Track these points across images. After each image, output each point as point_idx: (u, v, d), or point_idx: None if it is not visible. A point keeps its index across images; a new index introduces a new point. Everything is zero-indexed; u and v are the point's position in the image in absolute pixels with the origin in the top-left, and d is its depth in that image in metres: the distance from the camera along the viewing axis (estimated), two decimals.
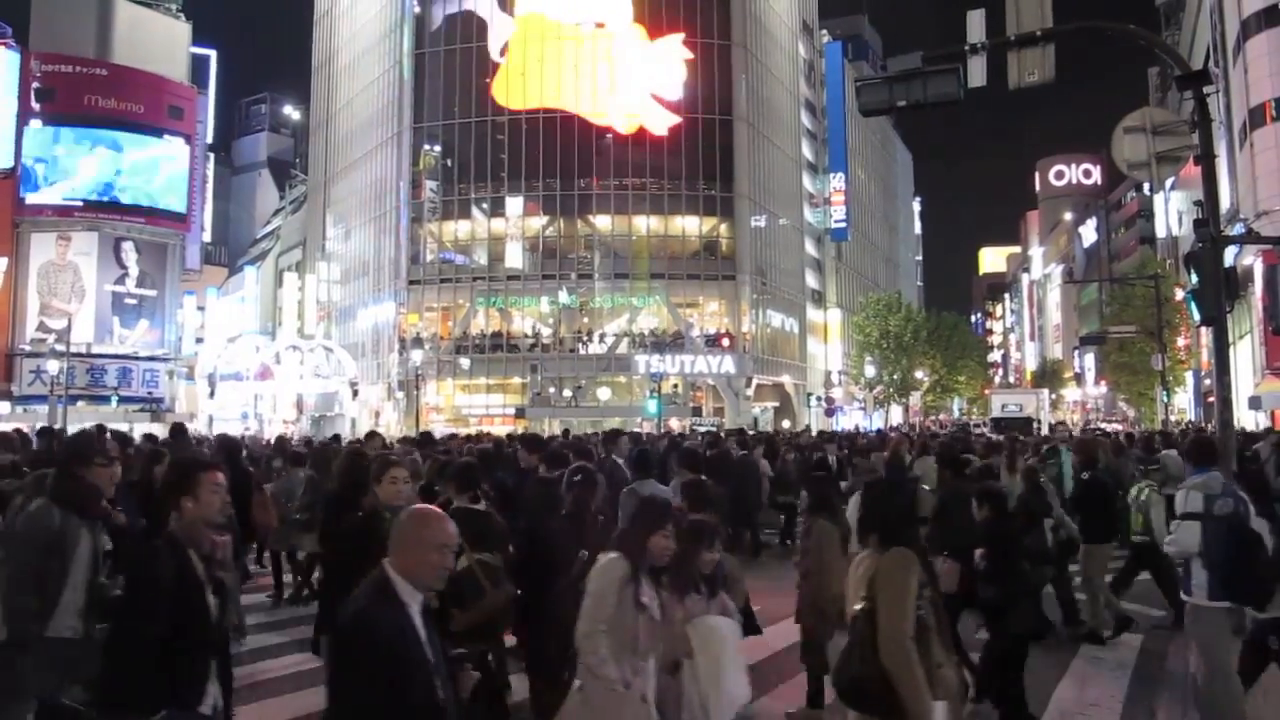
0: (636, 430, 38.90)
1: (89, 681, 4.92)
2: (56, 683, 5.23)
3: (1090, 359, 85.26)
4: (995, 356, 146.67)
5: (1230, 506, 7.02)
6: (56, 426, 25.82)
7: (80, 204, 55.58)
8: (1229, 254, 16.06)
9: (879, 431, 33.81)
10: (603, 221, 64.46)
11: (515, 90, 63.26)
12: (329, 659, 3.90)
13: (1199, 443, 8.16)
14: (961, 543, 7.65)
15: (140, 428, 38.65)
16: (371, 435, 16.24)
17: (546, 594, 6.01)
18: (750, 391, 63.52)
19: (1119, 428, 48.24)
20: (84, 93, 55.56)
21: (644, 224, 64.60)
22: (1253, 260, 39.16)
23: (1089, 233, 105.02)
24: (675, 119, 63.07)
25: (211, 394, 56.74)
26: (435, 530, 3.72)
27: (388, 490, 6.13)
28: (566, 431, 27.92)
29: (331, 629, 4.17)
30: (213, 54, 68.45)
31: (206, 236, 69.43)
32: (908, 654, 4.37)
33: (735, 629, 5.45)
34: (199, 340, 65.15)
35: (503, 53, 64.18)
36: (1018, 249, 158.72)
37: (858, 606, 4.63)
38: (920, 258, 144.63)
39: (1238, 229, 33.69)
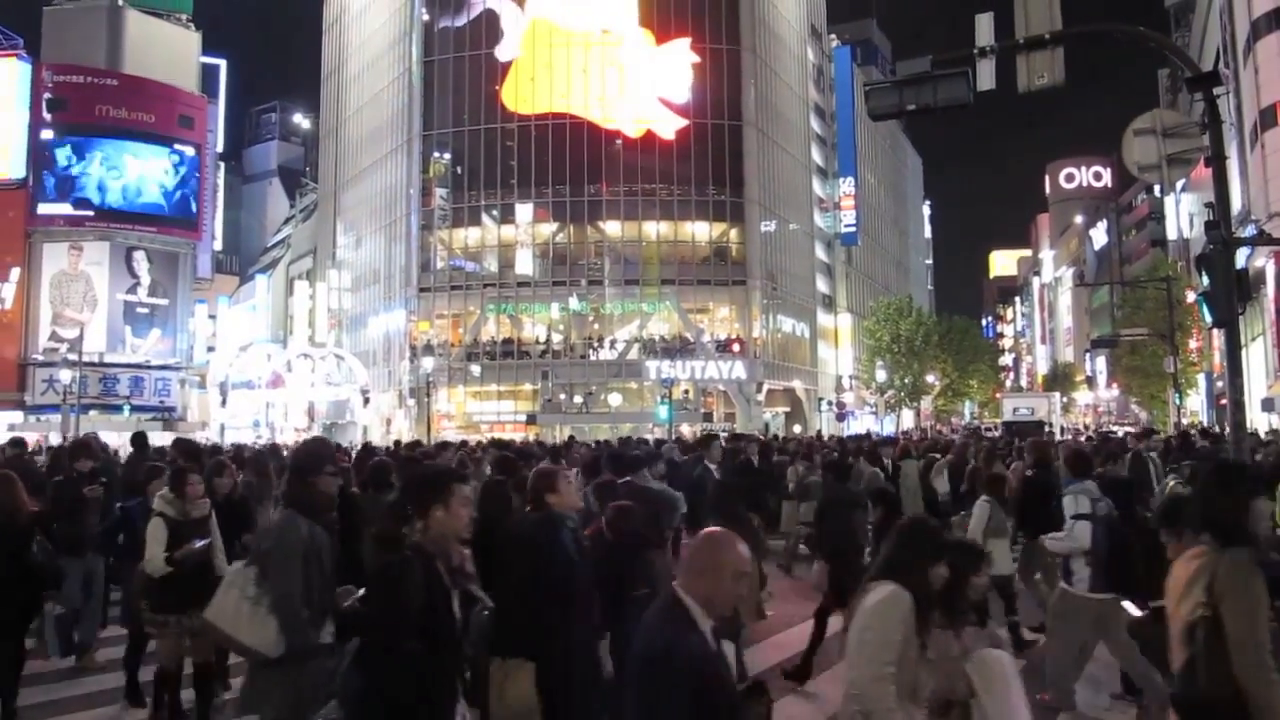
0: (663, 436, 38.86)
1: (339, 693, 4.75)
2: (327, 693, 5.12)
3: (1102, 362, 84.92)
4: (1006, 360, 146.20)
5: (1107, 509, 8.05)
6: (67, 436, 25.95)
7: (92, 214, 55.81)
8: (1241, 256, 16.03)
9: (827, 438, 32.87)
10: (613, 227, 64.47)
11: (524, 95, 63.35)
12: (634, 687, 3.60)
13: (1077, 454, 9.45)
14: (842, 545, 8.45)
15: (153, 437, 38.74)
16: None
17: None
18: (761, 397, 63.40)
19: (1131, 430, 48.08)
20: (95, 103, 55.82)
21: (654, 229, 64.58)
22: (1265, 262, 39.03)
23: (1100, 235, 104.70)
24: (683, 122, 63.08)
25: (223, 402, 56.87)
26: (734, 556, 3.58)
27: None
28: (571, 439, 27.96)
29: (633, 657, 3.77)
30: (223, 63, 68.75)
31: (217, 245, 69.68)
32: (1269, 670, 3.86)
33: (1014, 662, 4.85)
34: (211, 349, 65.34)
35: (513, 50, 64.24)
36: (1028, 252, 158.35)
37: (1196, 614, 4.05)
38: (930, 261, 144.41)
39: (1249, 231, 33.58)
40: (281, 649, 5.06)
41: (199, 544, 7.21)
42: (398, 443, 26.56)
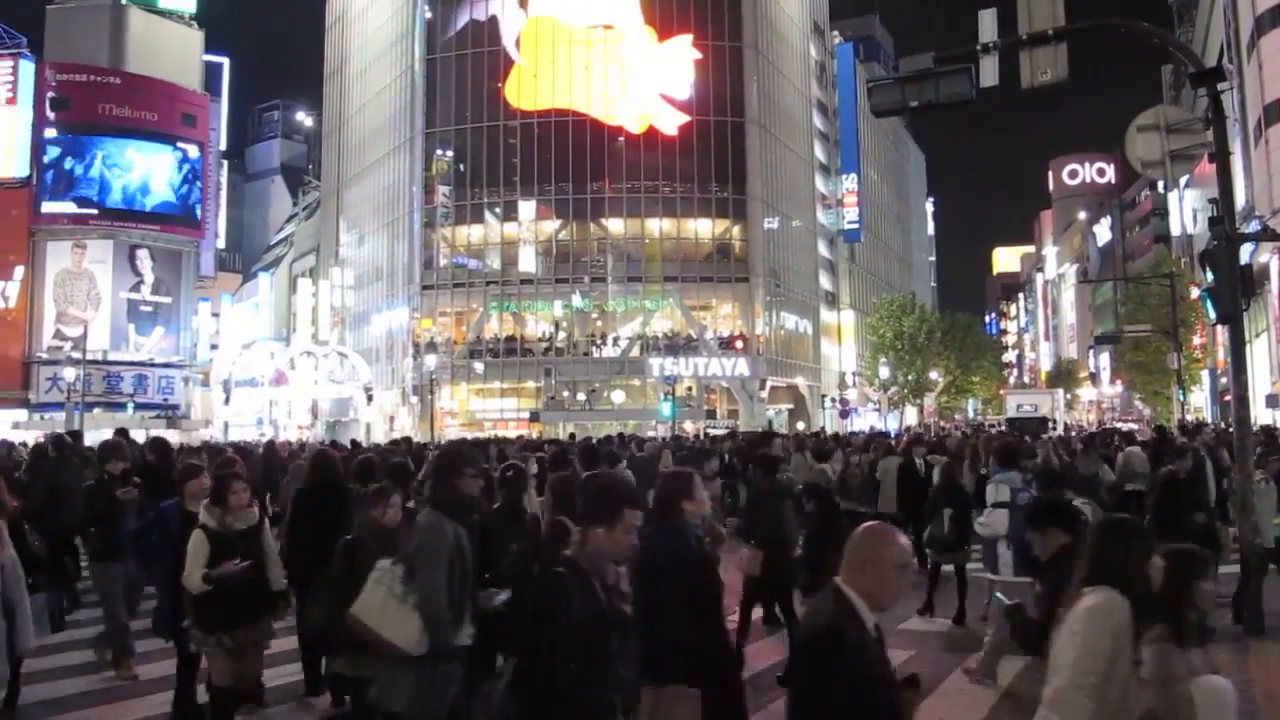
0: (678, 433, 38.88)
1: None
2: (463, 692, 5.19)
3: (1105, 358, 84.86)
4: (1010, 357, 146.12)
5: (1027, 499, 8.59)
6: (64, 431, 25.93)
7: (95, 212, 55.85)
8: (1244, 251, 16.01)
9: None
10: (615, 225, 64.49)
11: (527, 92, 63.35)
12: (796, 680, 3.63)
13: (1002, 447, 10.52)
14: (769, 534, 8.88)
15: (156, 434, 38.80)
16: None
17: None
18: (764, 394, 63.43)
19: (1135, 427, 48.04)
20: (98, 101, 55.84)
21: (656, 227, 64.59)
22: (1269, 258, 39.00)
23: (1103, 232, 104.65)
24: (685, 119, 63.03)
25: (227, 400, 56.93)
26: (896, 550, 3.53)
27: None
28: (572, 435, 27.98)
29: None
30: (225, 62, 68.72)
31: (221, 243, 69.72)
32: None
33: (1235, 691, 4.41)
34: (214, 347, 65.36)
35: (517, 45, 64.15)
36: (1032, 249, 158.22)
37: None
38: (934, 258, 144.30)
39: (1253, 226, 33.58)
40: (424, 648, 5.14)
41: (239, 564, 6.65)
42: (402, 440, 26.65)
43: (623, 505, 4.26)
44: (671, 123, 62.91)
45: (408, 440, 25.25)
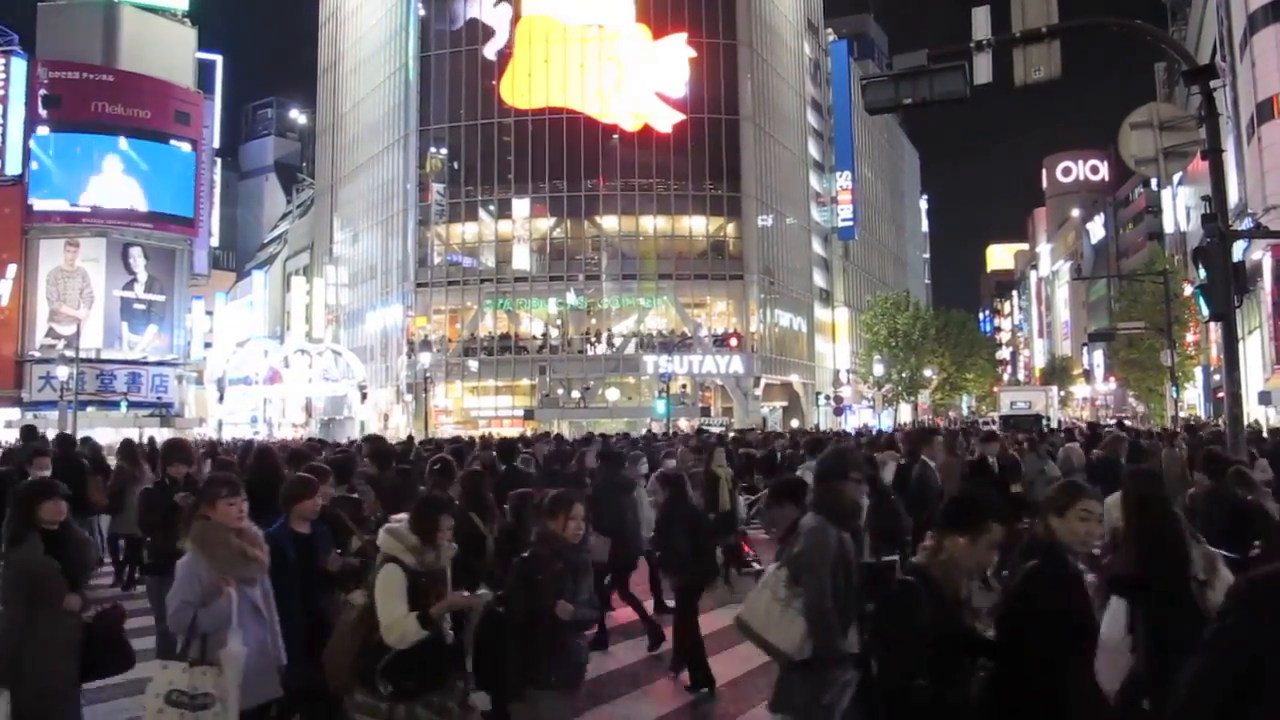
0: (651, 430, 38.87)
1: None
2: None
3: (1099, 355, 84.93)
4: (1004, 354, 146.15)
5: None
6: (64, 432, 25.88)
7: (88, 210, 55.73)
8: (1237, 249, 16.05)
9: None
10: (610, 222, 64.48)
11: (521, 90, 63.31)
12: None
13: (814, 439, 12.90)
14: (615, 525, 9.81)
15: (150, 433, 38.79)
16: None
17: None
18: (759, 391, 63.47)
19: (1130, 423, 48.11)
20: (91, 99, 55.73)
21: (651, 224, 64.61)
22: (1261, 255, 39.06)
23: (1097, 229, 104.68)
24: (680, 117, 63.01)
25: (221, 398, 56.92)
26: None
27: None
28: (573, 436, 27.95)
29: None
30: (219, 59, 68.59)
31: (214, 241, 69.60)
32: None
33: None
34: (208, 345, 65.37)
35: (507, 52, 64.07)
36: (1025, 246, 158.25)
37: None
38: (928, 256, 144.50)
39: (1246, 224, 33.63)
40: (807, 652, 5.03)
41: (474, 594, 5.57)
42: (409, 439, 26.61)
43: (988, 517, 4.09)
44: (666, 120, 62.94)
45: (435, 441, 24.90)
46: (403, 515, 5.52)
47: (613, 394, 61.20)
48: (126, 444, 14.14)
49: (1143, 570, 4.82)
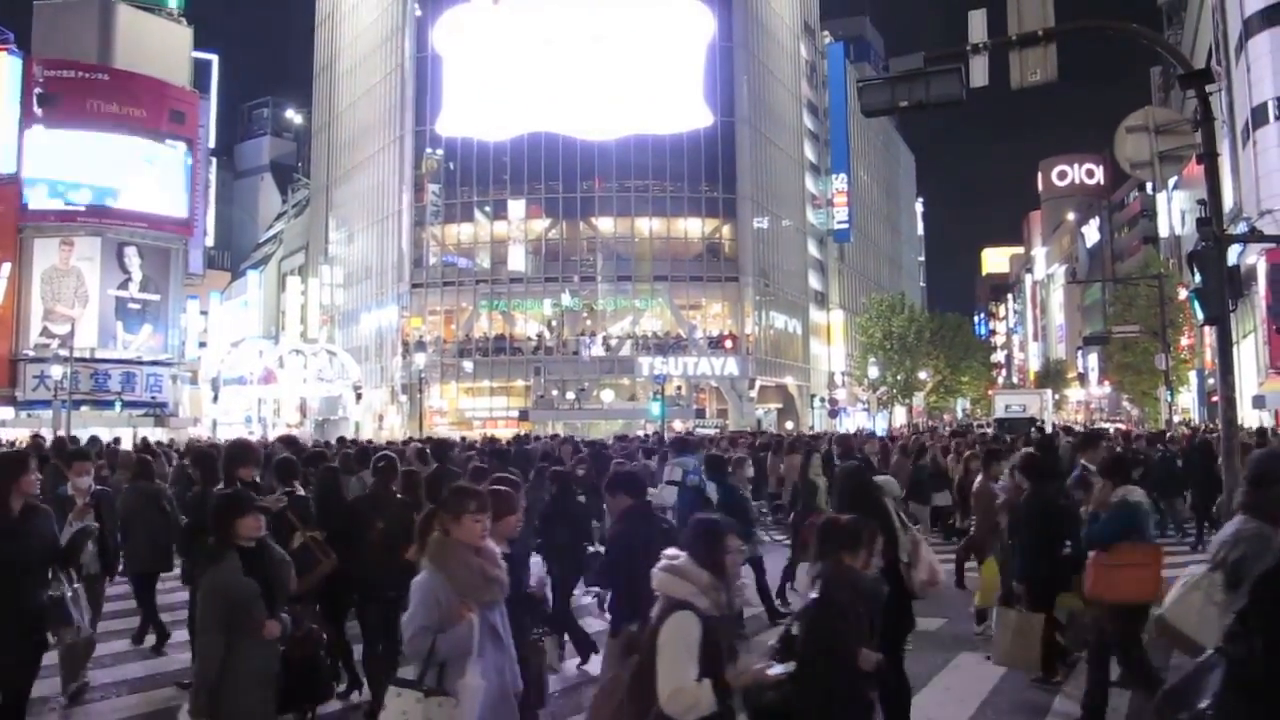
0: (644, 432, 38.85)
1: None
2: None
3: (1094, 359, 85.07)
4: (999, 357, 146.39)
5: (697, 479, 10.25)
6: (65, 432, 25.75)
7: (83, 209, 55.55)
8: (1232, 253, 16.07)
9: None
10: (605, 224, 64.49)
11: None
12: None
13: (680, 439, 13.94)
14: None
15: (144, 433, 38.77)
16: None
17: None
18: (754, 393, 63.49)
19: (1122, 427, 48.16)
20: (86, 98, 55.55)
21: (646, 226, 64.64)
22: (1256, 259, 39.07)
23: (1092, 233, 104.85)
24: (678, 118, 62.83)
25: (215, 399, 56.76)
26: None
27: None
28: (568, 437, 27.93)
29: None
30: (214, 58, 68.44)
31: (209, 241, 69.43)
32: None
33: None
34: (202, 345, 65.16)
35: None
36: (1020, 249, 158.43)
37: None
38: (923, 258, 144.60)
39: (1241, 228, 33.64)
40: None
41: (774, 668, 4.47)
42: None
43: None
44: (663, 123, 62.73)
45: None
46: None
47: (607, 395, 61.20)
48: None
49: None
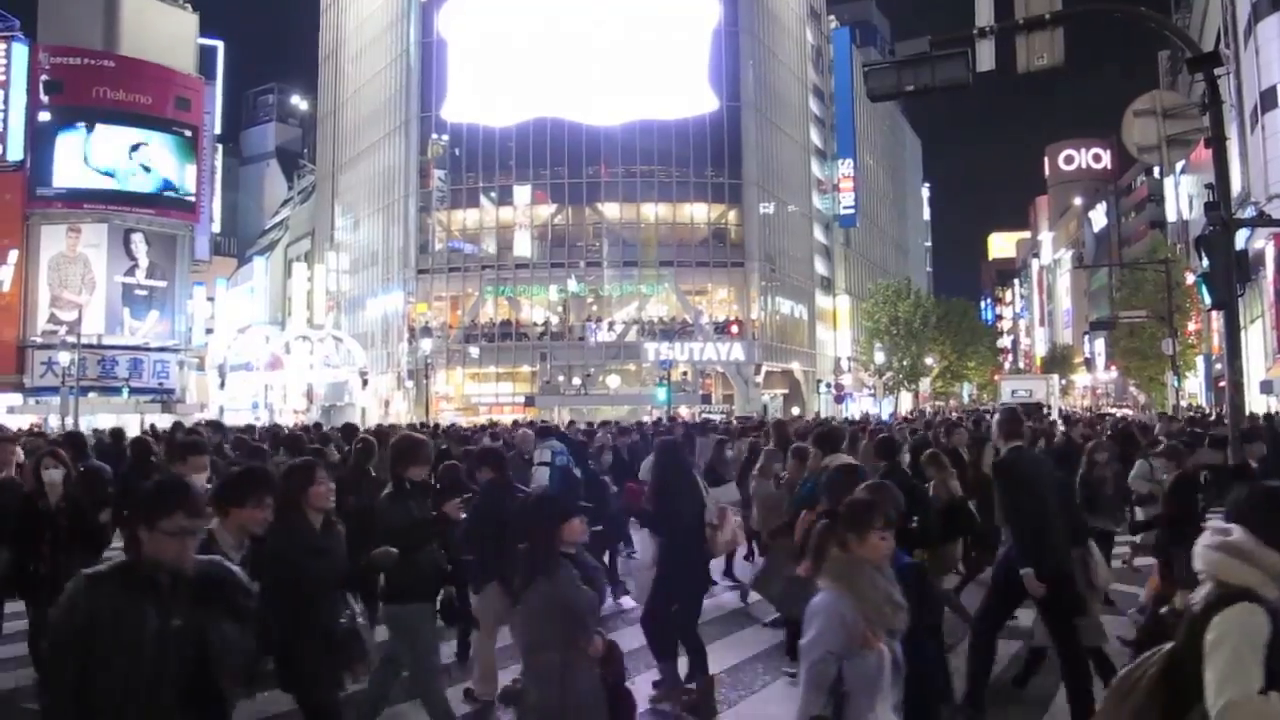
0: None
1: None
2: None
3: (1100, 344, 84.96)
4: (1005, 342, 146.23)
5: (565, 459, 10.61)
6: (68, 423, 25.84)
7: (90, 196, 55.67)
8: (1240, 238, 16.03)
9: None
10: (611, 209, 64.41)
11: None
12: None
13: (544, 427, 13.72)
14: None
15: (151, 419, 38.85)
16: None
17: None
18: (759, 379, 63.46)
19: (1129, 413, 48.13)
20: (92, 85, 55.64)
21: (652, 211, 64.56)
22: (1264, 244, 39.01)
23: (1099, 217, 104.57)
24: (703, 108, 62.70)
25: (222, 385, 56.88)
26: None
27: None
28: (571, 423, 27.97)
29: None
30: (220, 45, 68.40)
31: (215, 227, 69.55)
32: None
33: None
34: (209, 331, 65.28)
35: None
36: (1027, 234, 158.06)
37: None
38: (929, 243, 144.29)
39: (1249, 212, 33.57)
40: None
41: None
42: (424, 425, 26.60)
43: None
44: (676, 107, 62.63)
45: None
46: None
47: (613, 381, 61.21)
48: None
49: (662, 509, 7.43)
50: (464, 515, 6.90)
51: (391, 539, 6.21)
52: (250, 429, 23.95)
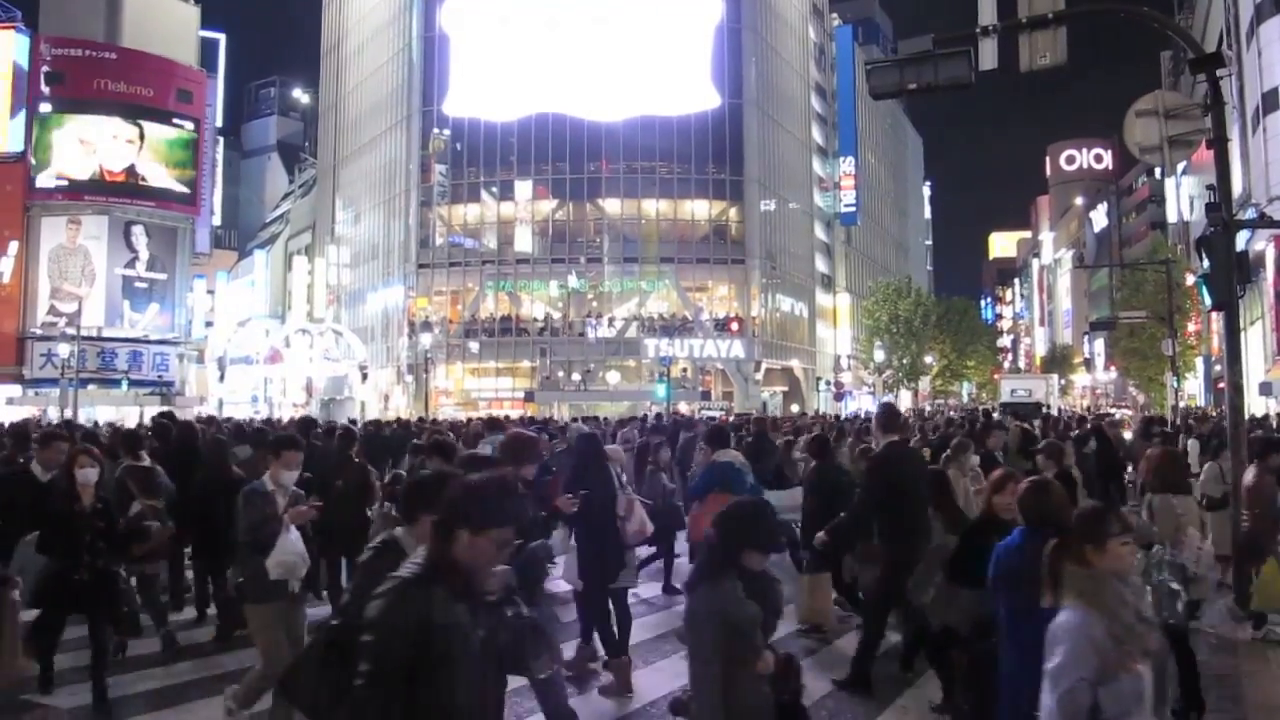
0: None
1: None
2: None
3: (1100, 344, 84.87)
4: (1005, 341, 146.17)
5: (491, 450, 10.26)
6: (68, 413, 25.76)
7: (90, 188, 55.65)
8: (1241, 239, 16.04)
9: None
10: (612, 205, 64.41)
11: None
12: None
13: (489, 420, 15.58)
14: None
15: (151, 412, 38.77)
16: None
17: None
18: (759, 376, 63.48)
19: (1129, 413, 48.11)
20: (93, 76, 55.59)
21: (653, 208, 64.55)
22: (1265, 245, 39.03)
23: (1100, 217, 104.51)
24: (706, 105, 62.64)
25: (221, 378, 56.95)
26: None
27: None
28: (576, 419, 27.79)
29: None
30: (222, 38, 68.47)
31: (216, 220, 69.55)
32: None
33: None
34: (209, 324, 65.31)
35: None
36: (1028, 234, 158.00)
37: None
38: (930, 242, 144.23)
39: (1250, 214, 33.55)
40: None
41: None
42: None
43: None
44: (678, 104, 62.58)
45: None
46: None
47: (613, 377, 61.17)
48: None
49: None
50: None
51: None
52: (212, 420, 24.02)
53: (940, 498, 7.97)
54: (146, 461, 9.21)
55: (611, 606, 8.02)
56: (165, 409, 23.13)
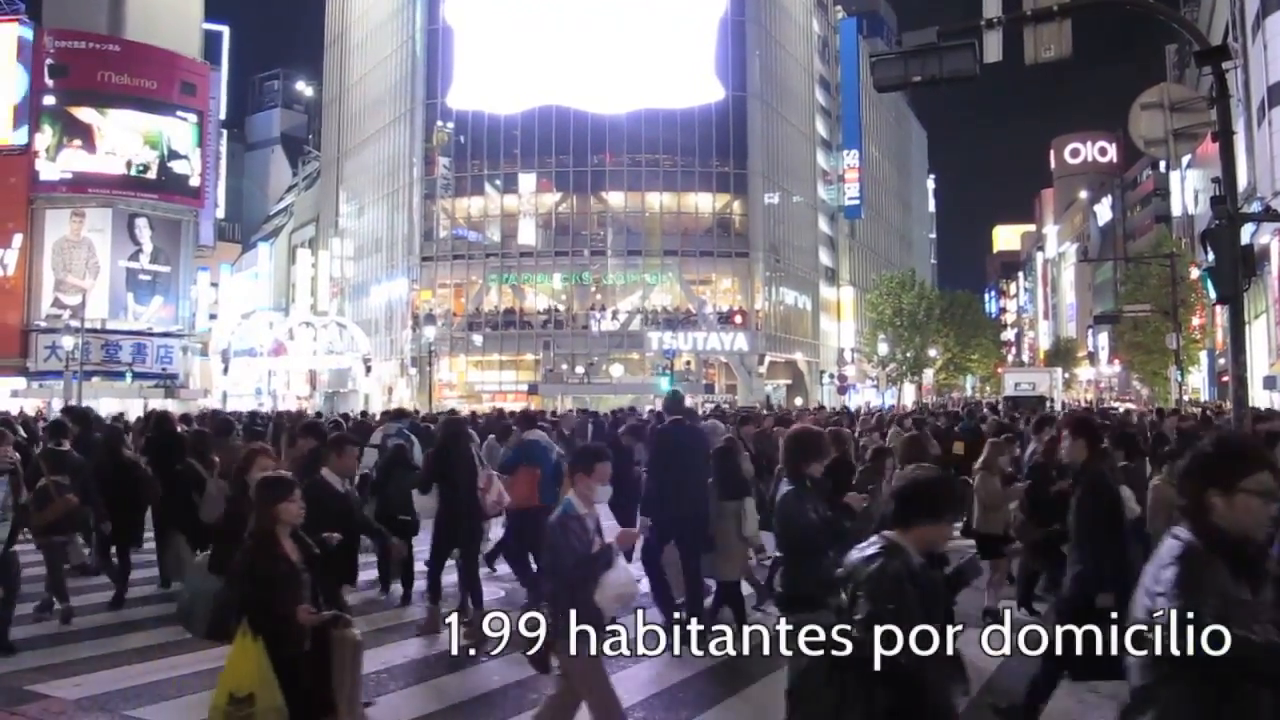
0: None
1: None
2: None
3: (1104, 338, 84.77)
4: (1009, 335, 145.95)
5: (402, 439, 11.25)
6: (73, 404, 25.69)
7: (94, 180, 55.63)
8: (1246, 232, 15.98)
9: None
10: (615, 198, 64.37)
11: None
12: None
13: (389, 412, 16.28)
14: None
15: (155, 404, 38.86)
16: None
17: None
18: (763, 369, 63.48)
19: (1132, 406, 48.08)
20: (97, 69, 55.53)
21: (657, 200, 64.50)
22: (1270, 239, 38.90)
23: (1104, 211, 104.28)
24: (711, 97, 62.56)
25: (225, 370, 56.95)
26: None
27: None
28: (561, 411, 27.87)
29: None
30: (225, 30, 68.29)
31: (220, 213, 69.46)
32: None
33: None
34: (213, 316, 65.27)
35: None
36: (1032, 227, 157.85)
37: None
38: (934, 235, 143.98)
39: (1255, 207, 33.46)
40: None
41: None
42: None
43: None
44: (682, 96, 62.50)
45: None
46: None
47: (617, 370, 61.20)
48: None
49: (439, 474, 9.31)
50: (865, 504, 6.73)
51: (793, 540, 5.80)
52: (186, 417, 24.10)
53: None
54: (65, 446, 10.34)
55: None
56: (72, 406, 24.28)
